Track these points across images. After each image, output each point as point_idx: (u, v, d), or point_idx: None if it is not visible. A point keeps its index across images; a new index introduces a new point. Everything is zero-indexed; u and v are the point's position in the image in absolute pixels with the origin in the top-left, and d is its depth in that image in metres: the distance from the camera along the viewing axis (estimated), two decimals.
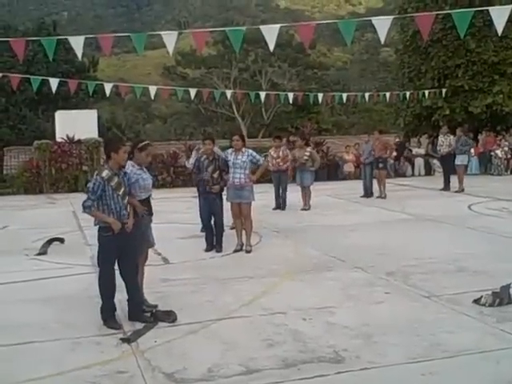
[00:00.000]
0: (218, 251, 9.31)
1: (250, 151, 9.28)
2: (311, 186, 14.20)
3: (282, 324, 5.76)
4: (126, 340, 5.41)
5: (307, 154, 14.19)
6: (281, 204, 14.02)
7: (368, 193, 16.23)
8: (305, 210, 13.83)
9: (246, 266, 8.35)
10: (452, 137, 17.55)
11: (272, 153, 14.16)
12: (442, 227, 11.22)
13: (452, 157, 17.31)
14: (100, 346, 5.31)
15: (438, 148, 18.03)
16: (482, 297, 6.28)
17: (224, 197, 9.51)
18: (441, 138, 17.86)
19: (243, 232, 9.41)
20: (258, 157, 9.37)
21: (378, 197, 15.96)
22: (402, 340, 5.28)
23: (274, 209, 13.98)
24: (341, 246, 9.57)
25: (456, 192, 16.68)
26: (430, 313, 6.09)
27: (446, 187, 17.28)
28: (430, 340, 5.26)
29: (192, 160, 10.79)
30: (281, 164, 14.01)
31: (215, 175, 9.15)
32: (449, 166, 17.55)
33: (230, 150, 9.27)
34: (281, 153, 14.04)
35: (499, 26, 7.53)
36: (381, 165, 15.99)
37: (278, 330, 5.58)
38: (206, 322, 5.86)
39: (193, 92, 18.79)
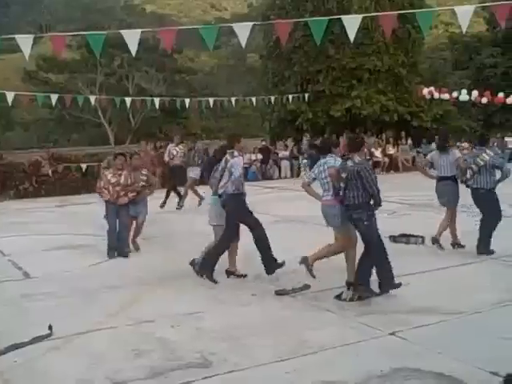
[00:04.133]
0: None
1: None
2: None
3: (149, 333, 5.69)
4: None
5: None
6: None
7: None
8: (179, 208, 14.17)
9: (114, 276, 8.14)
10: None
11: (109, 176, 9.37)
12: (308, 228, 11.55)
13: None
14: None
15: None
16: (342, 292, 6.58)
17: None
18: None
19: None
20: None
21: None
22: (268, 340, 5.39)
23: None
24: None
25: None
26: (295, 311, 6.27)
27: None
28: (295, 338, 5.42)
29: None
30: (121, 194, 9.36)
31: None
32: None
33: None
34: (123, 178, 9.33)
35: (351, 33, 7.93)
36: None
37: (145, 339, 5.50)
38: (71, 337, 5.65)
39: (54, 98, 18.09)
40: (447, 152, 8.84)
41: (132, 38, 8.38)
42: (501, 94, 26.13)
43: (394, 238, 9.36)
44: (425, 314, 5.96)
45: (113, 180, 9.17)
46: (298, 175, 23.93)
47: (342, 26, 8.32)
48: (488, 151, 8.48)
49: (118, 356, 5.12)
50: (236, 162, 7.64)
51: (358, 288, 6.53)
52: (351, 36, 7.94)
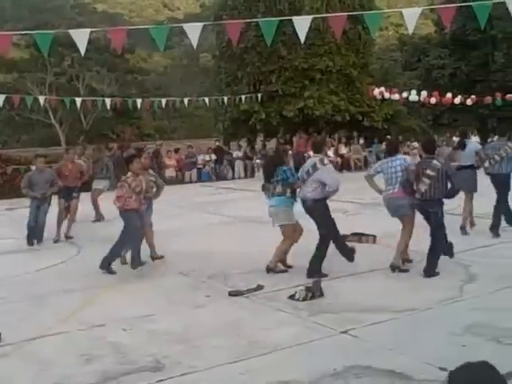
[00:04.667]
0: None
1: None
2: None
3: (101, 337, 5.61)
4: None
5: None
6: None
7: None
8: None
9: (64, 280, 8.01)
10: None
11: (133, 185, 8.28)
12: (262, 227, 11.56)
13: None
14: None
15: None
16: (296, 292, 6.62)
17: None
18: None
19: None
20: None
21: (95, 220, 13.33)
22: (222, 341, 5.39)
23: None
24: (164, 251, 9.50)
25: None
26: (249, 312, 6.28)
27: None
28: (249, 338, 5.43)
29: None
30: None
31: None
32: None
33: None
34: (144, 183, 8.39)
35: (302, 34, 7.99)
36: (75, 194, 11.48)
37: (97, 344, 5.42)
38: (21, 343, 5.53)
39: (1, 98, 17.64)
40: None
41: (81, 37, 8.24)
42: (449, 95, 26.71)
43: (346, 237, 9.44)
44: (376, 312, 6.04)
45: (137, 189, 8.15)
46: (252, 175, 24.01)
47: (293, 27, 8.37)
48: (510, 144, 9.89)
49: (68, 361, 5.04)
50: (328, 169, 7.75)
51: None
52: (301, 37, 8.00)
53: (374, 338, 5.30)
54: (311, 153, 9.46)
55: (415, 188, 7.44)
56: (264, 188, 7.99)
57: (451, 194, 7.60)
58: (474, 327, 5.45)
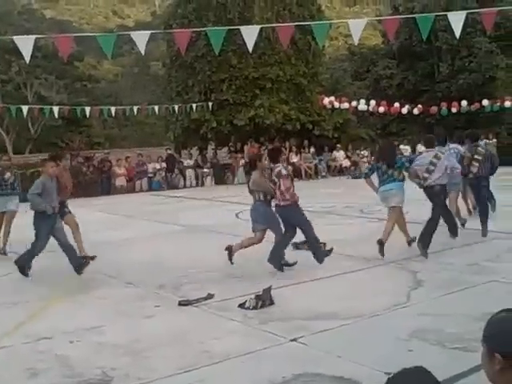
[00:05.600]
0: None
1: None
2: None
3: (47, 350, 5.48)
4: None
5: None
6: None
7: None
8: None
9: (9, 292, 7.82)
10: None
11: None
12: (211, 236, 11.58)
13: None
14: None
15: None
16: (246, 301, 6.61)
17: None
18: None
19: None
20: None
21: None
22: (171, 352, 5.34)
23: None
24: (113, 262, 9.39)
25: None
26: (199, 321, 6.24)
27: None
28: (198, 348, 5.39)
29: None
30: None
31: None
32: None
33: None
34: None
35: (250, 43, 8.04)
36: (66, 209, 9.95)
37: (42, 357, 5.29)
38: None
39: None
40: None
41: (26, 44, 8.10)
42: (396, 104, 27.29)
43: (296, 245, 9.49)
44: (326, 318, 6.09)
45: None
46: (203, 184, 23.98)
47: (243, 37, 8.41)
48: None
49: (12, 376, 4.91)
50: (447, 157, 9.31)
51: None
52: (249, 46, 8.07)
53: (323, 345, 5.33)
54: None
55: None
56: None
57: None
58: (420, 332, 5.55)
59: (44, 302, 7.20)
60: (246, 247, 8.64)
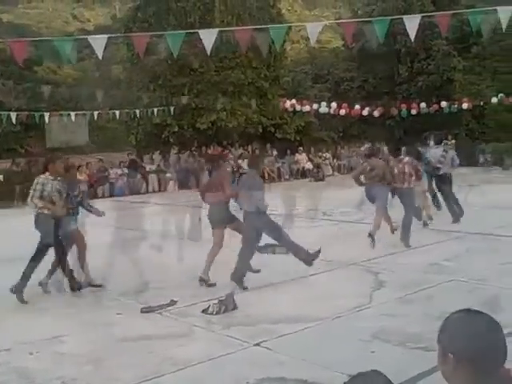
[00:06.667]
0: None
1: None
2: None
3: (5, 362, 5.36)
4: None
5: None
6: None
7: None
8: None
9: None
10: None
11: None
12: (176, 242, 11.48)
13: None
14: None
15: None
16: (209, 306, 6.58)
17: None
18: None
19: None
20: None
21: None
22: (134, 360, 5.28)
23: None
24: (75, 269, 9.22)
25: None
26: (162, 328, 6.19)
27: None
28: (161, 356, 5.34)
29: None
30: None
31: None
32: None
33: None
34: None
35: (208, 46, 8.02)
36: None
37: (0, 370, 5.17)
38: None
39: None
40: None
41: None
42: (357, 107, 27.53)
43: (259, 249, 9.47)
44: (289, 322, 6.10)
45: None
46: (165, 189, 23.81)
47: None
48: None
49: None
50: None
51: None
52: (208, 49, 8.05)
53: (287, 349, 5.34)
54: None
55: None
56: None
57: None
58: (382, 333, 5.60)
59: (4, 313, 7.03)
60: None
